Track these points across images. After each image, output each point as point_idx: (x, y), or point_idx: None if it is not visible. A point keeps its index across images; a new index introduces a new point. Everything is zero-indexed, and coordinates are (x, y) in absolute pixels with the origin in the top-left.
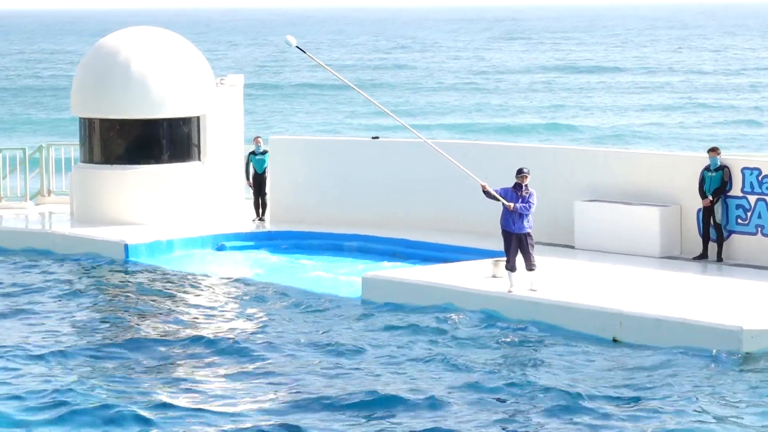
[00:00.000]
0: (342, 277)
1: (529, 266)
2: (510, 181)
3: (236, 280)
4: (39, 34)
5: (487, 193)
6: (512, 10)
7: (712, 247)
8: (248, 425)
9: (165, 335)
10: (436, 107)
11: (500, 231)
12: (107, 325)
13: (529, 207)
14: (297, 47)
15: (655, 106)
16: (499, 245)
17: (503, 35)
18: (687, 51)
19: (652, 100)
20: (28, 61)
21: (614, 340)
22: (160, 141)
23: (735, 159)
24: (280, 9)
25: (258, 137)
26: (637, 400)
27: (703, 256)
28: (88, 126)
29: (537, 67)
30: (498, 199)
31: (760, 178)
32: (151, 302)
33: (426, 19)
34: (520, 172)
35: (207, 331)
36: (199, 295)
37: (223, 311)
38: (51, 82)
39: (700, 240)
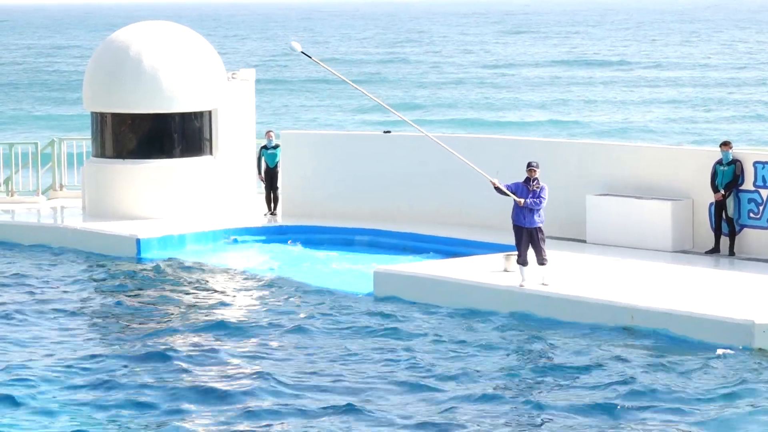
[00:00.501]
0: (353, 271)
1: (541, 260)
2: (522, 176)
3: (247, 275)
4: (47, 29)
5: (498, 190)
6: (522, 3)
7: (724, 241)
8: (256, 417)
9: (175, 328)
10: (443, 101)
11: (506, 224)
12: (118, 319)
13: (540, 201)
14: (302, 53)
15: (663, 100)
16: (508, 239)
17: (512, 29)
18: (696, 45)
19: (660, 94)
20: (36, 56)
21: (625, 329)
22: (172, 135)
23: (747, 153)
24: (285, 3)
25: (270, 131)
26: (647, 395)
27: (715, 250)
28: (99, 120)
29: (545, 62)
30: (509, 195)
31: None
32: (163, 296)
33: (435, 13)
34: (528, 165)
35: (216, 325)
36: (210, 289)
37: (234, 305)
38: (57, 77)
39: (712, 234)
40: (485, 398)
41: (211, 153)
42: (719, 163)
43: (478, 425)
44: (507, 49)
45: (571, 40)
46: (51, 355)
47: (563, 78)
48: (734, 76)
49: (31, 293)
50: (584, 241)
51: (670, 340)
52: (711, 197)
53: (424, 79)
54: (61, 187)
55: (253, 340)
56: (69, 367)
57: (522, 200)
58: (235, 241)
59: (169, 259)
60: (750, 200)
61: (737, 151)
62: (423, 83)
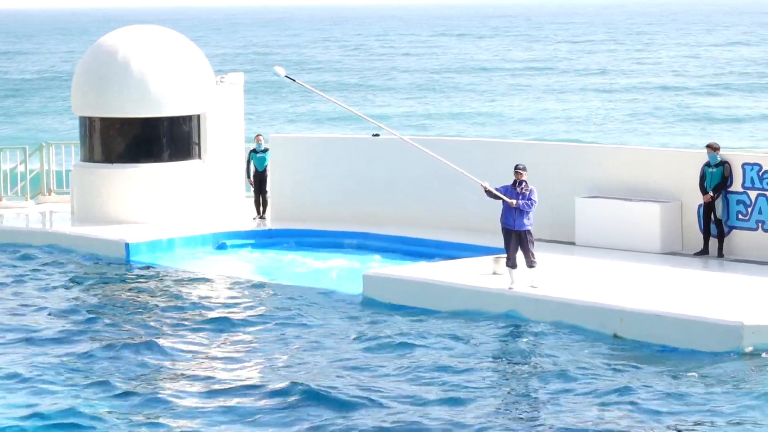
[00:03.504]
0: (342, 275)
1: (530, 263)
2: (509, 179)
3: (237, 278)
4: (26, 34)
5: (489, 193)
6: (504, 7)
7: (713, 242)
8: (246, 421)
9: (165, 333)
10: (416, 110)
11: (493, 227)
12: (108, 323)
13: (531, 204)
14: (286, 76)
15: (641, 110)
16: (497, 242)
17: (491, 33)
18: (674, 51)
19: (637, 103)
20: (16, 62)
21: (615, 337)
22: (161, 139)
23: (736, 155)
24: (266, 7)
25: (259, 135)
26: (637, 397)
27: (704, 251)
28: (88, 125)
29: (522, 68)
30: (500, 198)
31: (760, 173)
32: (152, 300)
33: (425, 18)
34: (516, 168)
35: (207, 329)
36: (199, 294)
37: (224, 309)
38: (39, 82)
39: (700, 236)
40: (472, 401)
41: (199, 157)
42: (708, 165)
43: (465, 427)
44: (480, 53)
45: (555, 44)
46: (38, 359)
47: (539, 85)
48: (716, 82)
49: (20, 298)
50: (573, 244)
51: (657, 342)
52: (700, 199)
53: (408, 85)
54: (50, 191)
55: (242, 343)
56: (57, 371)
57: (513, 201)
58: (224, 245)
59: (158, 263)
60: (738, 202)
61: (726, 152)
62: (406, 89)
